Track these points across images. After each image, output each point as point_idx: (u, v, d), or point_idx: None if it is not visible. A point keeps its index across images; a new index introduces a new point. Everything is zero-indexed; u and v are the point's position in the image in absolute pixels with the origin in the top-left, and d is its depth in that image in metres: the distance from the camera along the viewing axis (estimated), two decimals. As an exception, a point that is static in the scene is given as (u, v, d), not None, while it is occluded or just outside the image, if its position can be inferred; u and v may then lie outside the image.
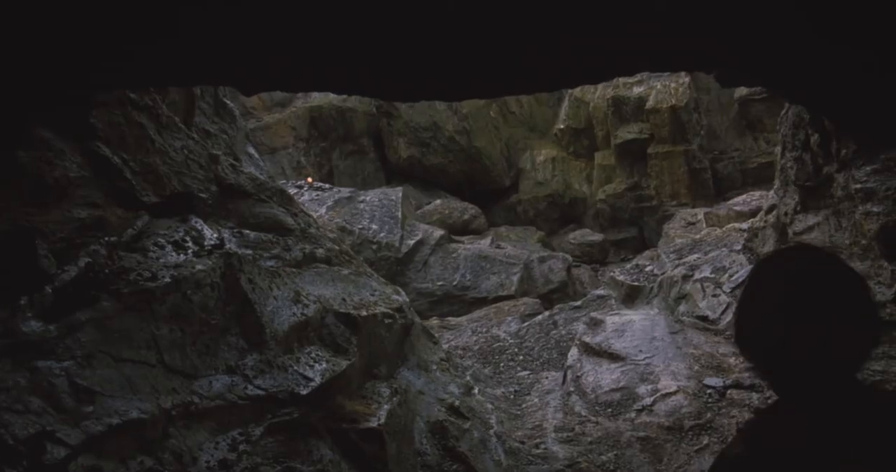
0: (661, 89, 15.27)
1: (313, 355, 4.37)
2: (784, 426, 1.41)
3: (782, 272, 1.46)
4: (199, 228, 4.26)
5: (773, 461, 1.38)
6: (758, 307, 1.46)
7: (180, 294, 3.55)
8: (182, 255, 3.89)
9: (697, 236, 9.57)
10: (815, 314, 1.36)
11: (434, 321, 12.20)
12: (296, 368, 4.06)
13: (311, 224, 5.97)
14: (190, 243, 4.06)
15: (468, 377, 6.59)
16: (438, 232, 14.44)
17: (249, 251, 4.57)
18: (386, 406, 4.66)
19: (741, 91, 15.46)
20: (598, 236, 15.49)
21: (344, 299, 5.15)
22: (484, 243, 14.82)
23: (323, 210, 14.13)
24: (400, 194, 14.83)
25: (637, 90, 15.63)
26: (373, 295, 5.69)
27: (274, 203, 5.53)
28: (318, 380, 4.10)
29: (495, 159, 17.07)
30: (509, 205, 17.13)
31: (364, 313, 5.04)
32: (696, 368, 5.95)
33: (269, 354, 3.94)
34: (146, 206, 4.40)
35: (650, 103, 15.15)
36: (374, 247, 13.85)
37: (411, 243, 14.09)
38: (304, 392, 3.92)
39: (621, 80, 16.10)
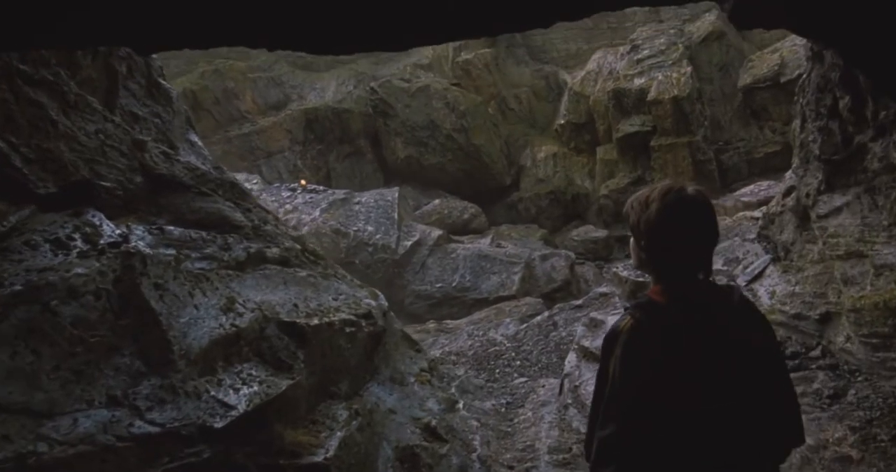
0: (663, 80, 14.26)
1: (244, 375, 3.44)
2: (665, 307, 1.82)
3: (688, 209, 1.84)
4: (97, 223, 3.35)
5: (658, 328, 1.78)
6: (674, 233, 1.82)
7: (38, 306, 2.63)
8: (60, 256, 2.98)
9: (706, 227, 8.57)
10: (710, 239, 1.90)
11: (431, 325, 11.25)
12: (213, 393, 3.13)
13: (268, 221, 5.05)
14: (78, 242, 3.14)
15: (453, 390, 5.64)
16: (436, 232, 13.50)
17: (170, 251, 3.65)
18: (339, 433, 3.72)
19: (745, 79, 14.43)
20: (601, 232, 14.48)
21: (296, 305, 4.22)
22: (484, 243, 13.87)
23: (317, 213, 13.25)
24: (396, 195, 13.92)
25: (638, 82, 14.64)
26: (336, 300, 4.76)
27: (219, 197, 4.61)
28: (242, 407, 3.17)
29: (495, 157, 16.12)
30: (510, 203, 16.17)
31: (316, 321, 4.10)
32: (711, 374, 4.97)
33: (176, 377, 3.01)
34: (41, 198, 3.51)
35: (652, 95, 14.15)
36: (371, 249, 12.94)
37: (408, 244, 13.17)
38: (219, 425, 2.99)
39: (622, 72, 15.14)
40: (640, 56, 14.99)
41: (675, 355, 1.72)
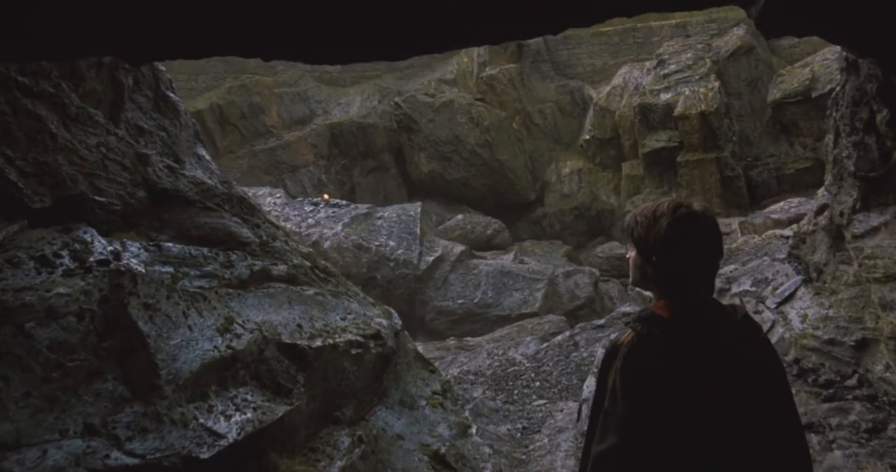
0: (690, 95, 13.95)
1: (238, 400, 3.23)
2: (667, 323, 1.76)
3: (697, 225, 1.78)
4: (88, 239, 3.18)
5: (658, 345, 1.73)
6: (683, 249, 1.77)
7: (11, 328, 2.46)
8: (44, 274, 2.81)
9: (734, 246, 8.21)
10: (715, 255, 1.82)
11: (451, 342, 11.00)
12: (202, 421, 2.93)
13: (277, 237, 4.87)
14: (65, 259, 2.97)
15: (467, 413, 5.38)
16: (459, 248, 13.28)
17: (167, 269, 3.47)
18: (339, 462, 3.50)
19: (775, 94, 14.05)
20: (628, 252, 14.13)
21: (300, 326, 4.02)
22: (507, 259, 13.60)
23: (339, 227, 13.12)
24: (419, 210, 13.74)
25: (664, 97, 14.34)
26: (343, 319, 4.55)
27: (225, 212, 4.44)
28: (232, 436, 2.96)
29: (519, 172, 15.89)
30: (534, 219, 15.91)
31: (319, 343, 3.89)
32: (739, 402, 4.66)
33: (162, 404, 2.81)
34: (35, 213, 3.36)
35: (678, 110, 13.83)
36: (392, 264, 12.76)
37: (430, 259, 12.96)
38: (206, 455, 2.78)
39: (648, 87, 14.85)
40: (666, 71, 14.70)
41: (676, 371, 1.68)
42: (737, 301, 5.98)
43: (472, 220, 14.94)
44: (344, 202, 13.72)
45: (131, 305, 2.96)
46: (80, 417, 2.54)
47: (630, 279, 1.95)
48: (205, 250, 3.84)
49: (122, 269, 3.05)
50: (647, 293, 8.04)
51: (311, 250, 5.40)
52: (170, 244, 3.62)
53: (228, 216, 4.43)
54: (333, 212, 13.44)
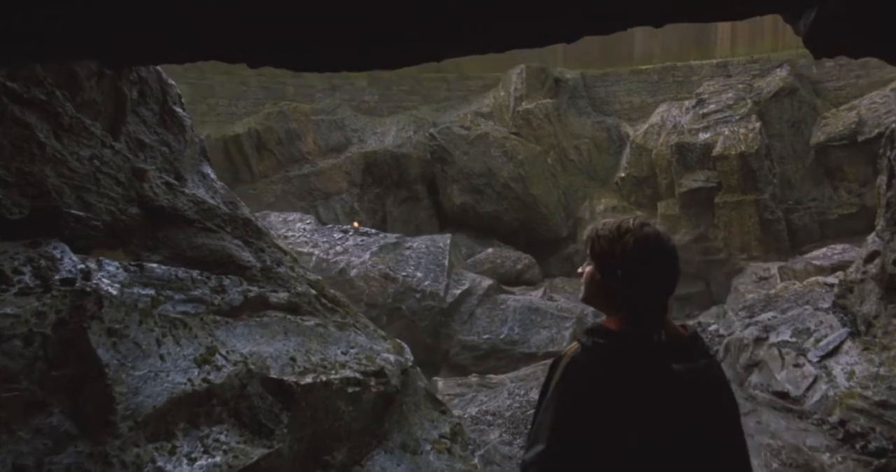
0: (730, 135, 13.43)
1: (209, 441, 2.86)
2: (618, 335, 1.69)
3: (662, 245, 1.73)
4: (58, 255, 2.87)
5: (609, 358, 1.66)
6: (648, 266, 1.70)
7: (-64, 352, 2.14)
8: (-5, 292, 2.50)
9: (772, 292, 7.64)
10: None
11: (474, 378, 10.50)
12: (160, 464, 2.56)
13: (283, 262, 4.55)
14: (26, 276, 2.66)
15: (476, 460, 4.93)
16: (487, 282, 12.84)
17: (147, 291, 3.15)
18: (320, 516, 3.09)
19: (818, 137, 13.45)
20: (660, 290, 13.52)
21: (293, 359, 3.65)
22: (536, 295, 13.11)
23: (367, 256, 12.80)
24: (448, 242, 13.39)
25: (703, 136, 13.84)
26: (345, 354, 4.17)
27: (226, 233, 4.13)
28: (193, 484, 2.58)
29: (552, 208, 15.46)
30: (566, 255, 15.41)
31: (309, 379, 3.51)
32: (775, 466, 4.12)
33: (113, 443, 2.45)
34: (11, 225, 3.08)
35: (717, 150, 13.32)
36: (418, 296, 12.37)
37: (457, 292, 12.54)
38: (157, 506, 2.40)
39: (686, 125, 14.38)
40: (706, 110, 14.22)
41: (614, 385, 1.62)
42: (775, 352, 5.45)
43: (502, 254, 14.53)
44: (373, 231, 13.45)
45: (92, 329, 2.63)
46: (9, 457, 2.19)
47: (581, 295, 1.86)
48: (194, 273, 3.51)
49: (88, 289, 2.73)
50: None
51: (319, 277, 5.06)
52: (154, 265, 3.30)
53: (229, 238, 4.12)
54: (362, 240, 13.17)
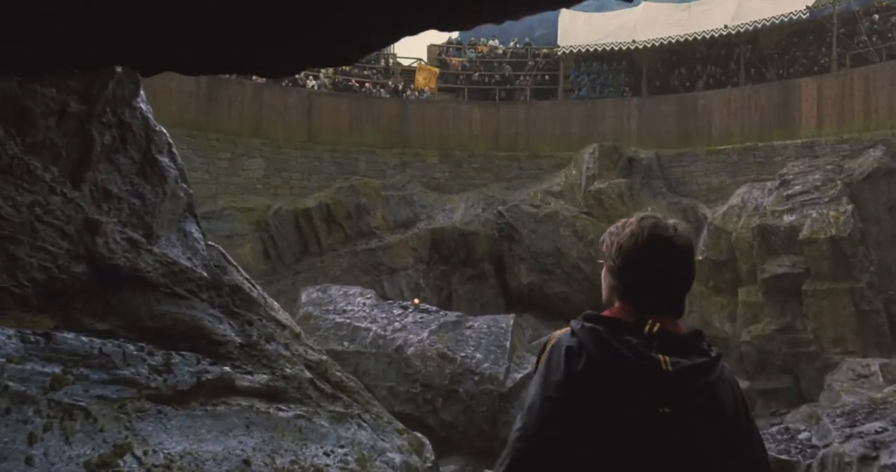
0: (818, 218, 12.03)
1: None
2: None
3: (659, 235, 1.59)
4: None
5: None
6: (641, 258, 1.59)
7: None
8: None
9: (878, 396, 6.21)
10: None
11: None
12: None
13: (275, 338, 3.74)
14: None
15: None
16: (550, 366, 11.68)
17: (51, 368, 2.39)
18: None
19: (920, 222, 11.89)
20: (742, 383, 11.92)
21: (246, 463, 2.77)
22: (603, 383, 11.82)
23: (425, 334, 11.92)
24: (511, 322, 12.37)
25: (788, 219, 12.49)
26: (329, 454, 3.26)
27: (200, 301, 3.39)
28: None
29: (623, 290, 14.24)
30: (638, 341, 14.03)
31: (260, 495, 2.62)
32: None
33: None
34: None
35: (804, 233, 11.92)
36: (476, 378, 11.31)
37: (518, 376, 11.40)
38: None
39: (769, 207, 13.07)
40: (790, 192, 12.90)
41: (594, 366, 1.48)
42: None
43: (569, 337, 13.34)
44: (433, 308, 12.61)
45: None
46: None
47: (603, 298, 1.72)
48: (130, 347, 2.75)
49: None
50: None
51: (325, 358, 4.21)
52: (68, 335, 2.56)
53: (204, 307, 3.36)
54: (422, 317, 12.33)
